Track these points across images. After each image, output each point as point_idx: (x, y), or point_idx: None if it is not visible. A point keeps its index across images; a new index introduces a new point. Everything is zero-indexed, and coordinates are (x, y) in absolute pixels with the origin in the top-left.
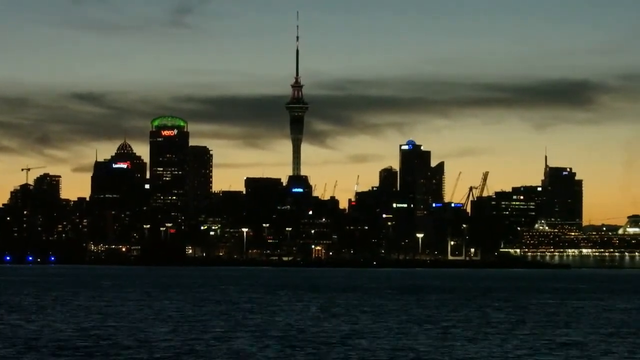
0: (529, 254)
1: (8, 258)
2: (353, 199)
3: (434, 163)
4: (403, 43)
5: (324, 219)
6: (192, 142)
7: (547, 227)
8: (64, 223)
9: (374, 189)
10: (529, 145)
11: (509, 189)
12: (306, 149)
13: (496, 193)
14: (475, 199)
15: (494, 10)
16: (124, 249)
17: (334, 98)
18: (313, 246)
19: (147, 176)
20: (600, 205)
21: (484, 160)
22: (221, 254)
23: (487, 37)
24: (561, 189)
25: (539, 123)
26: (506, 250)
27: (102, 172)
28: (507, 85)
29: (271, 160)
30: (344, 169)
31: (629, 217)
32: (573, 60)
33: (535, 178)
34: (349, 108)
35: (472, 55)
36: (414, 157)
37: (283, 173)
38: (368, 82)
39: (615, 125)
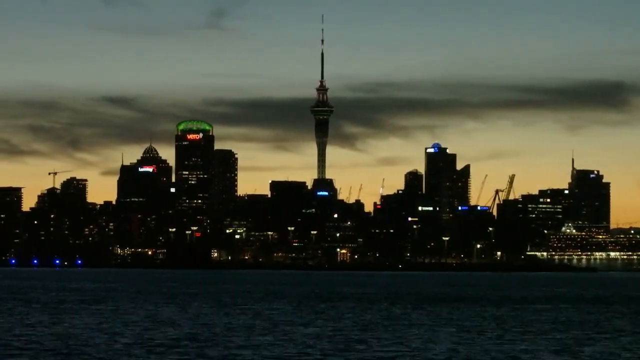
0: (556, 257)
1: (35, 261)
2: (378, 202)
3: (460, 166)
4: (433, 45)
5: (349, 222)
6: (218, 145)
7: (574, 230)
8: (91, 227)
9: (400, 192)
10: (557, 148)
11: (535, 191)
12: (333, 152)
13: (522, 196)
14: (502, 202)
15: (526, 11)
16: (149, 253)
17: (364, 100)
18: (338, 249)
19: (173, 180)
20: (628, 208)
21: (511, 162)
22: (246, 257)
23: (519, 38)
24: (588, 192)
25: (570, 125)
26: (533, 253)
27: (128, 176)
28: (540, 87)
29: (296, 163)
30: (369, 172)
31: None
32: (607, 62)
33: (562, 181)
34: (378, 110)
35: (504, 56)
36: (440, 160)
37: (308, 176)
38: (398, 84)
39: None
